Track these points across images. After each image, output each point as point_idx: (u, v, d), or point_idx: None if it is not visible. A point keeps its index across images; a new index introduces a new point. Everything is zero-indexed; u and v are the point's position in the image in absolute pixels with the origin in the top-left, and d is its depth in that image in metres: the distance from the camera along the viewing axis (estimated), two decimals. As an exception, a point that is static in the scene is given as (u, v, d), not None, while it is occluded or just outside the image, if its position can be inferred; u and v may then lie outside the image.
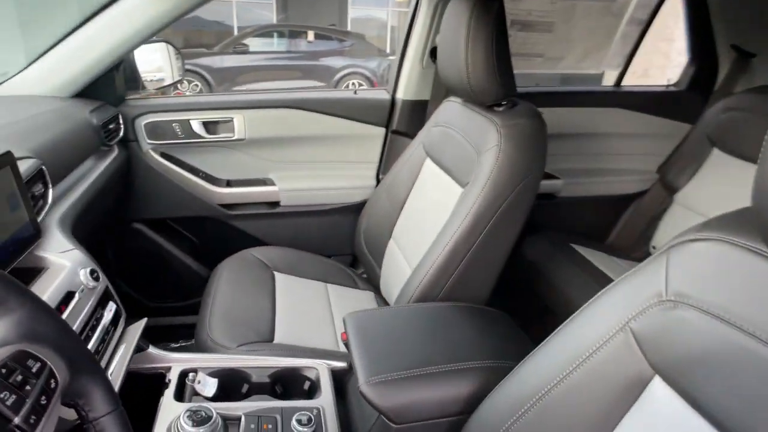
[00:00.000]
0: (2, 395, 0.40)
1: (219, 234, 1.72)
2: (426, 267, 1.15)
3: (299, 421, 0.89)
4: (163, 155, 1.58)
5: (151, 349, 1.02)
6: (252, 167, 1.70)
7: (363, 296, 1.55)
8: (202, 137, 1.58)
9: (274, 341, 1.22)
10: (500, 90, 1.10)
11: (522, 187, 1.09)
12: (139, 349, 1.00)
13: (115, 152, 1.44)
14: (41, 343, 0.46)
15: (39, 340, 0.46)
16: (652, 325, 0.53)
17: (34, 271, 0.84)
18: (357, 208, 1.70)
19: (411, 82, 1.66)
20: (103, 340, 0.85)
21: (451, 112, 1.38)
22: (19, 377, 0.42)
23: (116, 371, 0.84)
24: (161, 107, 1.53)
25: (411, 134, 1.62)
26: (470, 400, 0.85)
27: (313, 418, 0.91)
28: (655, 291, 0.54)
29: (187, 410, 0.85)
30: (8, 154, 0.77)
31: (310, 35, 8.62)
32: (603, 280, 1.55)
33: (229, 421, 0.90)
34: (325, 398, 0.99)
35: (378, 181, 1.76)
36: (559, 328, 0.68)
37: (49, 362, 0.45)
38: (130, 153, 1.53)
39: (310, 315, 1.37)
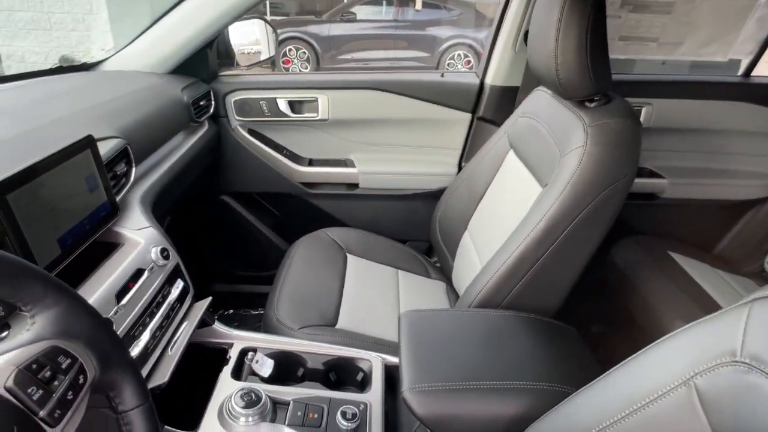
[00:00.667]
0: (30, 390, 0.43)
1: (299, 211, 1.77)
2: (492, 270, 1.08)
3: (344, 415, 0.90)
4: (251, 132, 1.65)
5: (216, 325, 1.08)
6: (334, 148, 1.71)
7: (433, 287, 1.51)
8: (287, 116, 1.61)
9: (337, 326, 1.24)
10: (592, 84, 0.98)
11: (607, 194, 0.97)
12: (205, 324, 1.07)
13: (206, 127, 1.52)
14: (74, 340, 0.49)
15: (72, 336, 0.49)
16: (719, 385, 0.45)
17: (110, 246, 0.91)
18: (436, 195, 1.65)
19: (501, 67, 1.55)
20: (168, 316, 0.91)
21: (540, 103, 1.26)
22: (48, 373, 0.45)
23: (176, 346, 0.89)
24: (250, 85, 1.58)
25: (498, 122, 1.52)
26: (516, 423, 0.79)
27: (358, 413, 0.91)
28: (728, 348, 0.45)
29: (240, 390, 0.89)
30: (89, 137, 0.84)
31: (418, 3, 8.41)
32: (701, 298, 1.36)
33: (278, 405, 0.93)
34: (374, 394, 0.98)
35: (460, 168, 1.69)
36: (623, 362, 0.61)
37: (80, 358, 0.48)
38: (220, 128, 1.61)
39: (377, 302, 1.36)
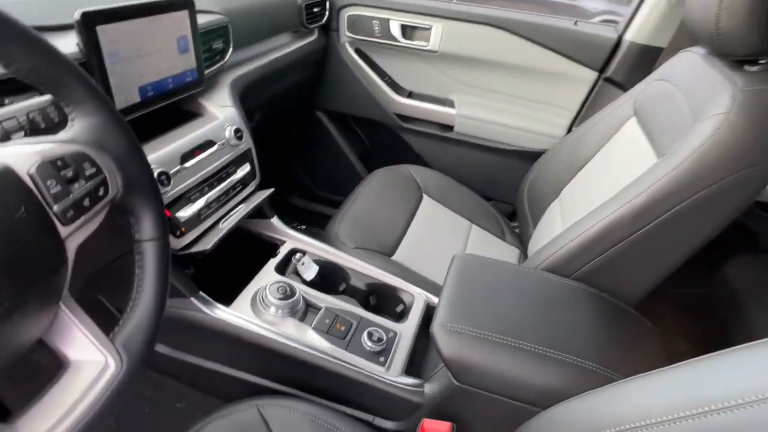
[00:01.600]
0: (49, 182, 0.42)
1: (387, 143, 1.72)
2: (571, 236, 0.95)
3: (370, 335, 0.86)
4: (357, 51, 1.60)
5: (274, 220, 1.08)
6: (436, 84, 1.62)
7: (506, 251, 1.40)
8: (397, 41, 1.54)
9: (392, 258, 1.20)
10: (760, 41, 0.78)
11: (737, 180, 0.79)
12: (264, 216, 1.07)
13: (314, 36, 1.50)
14: (105, 153, 0.48)
15: (104, 149, 0.48)
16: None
17: (189, 114, 0.93)
18: (533, 156, 1.51)
19: (649, 22, 1.33)
20: (227, 193, 0.92)
21: (683, 65, 1.07)
22: (71, 174, 0.44)
23: (228, 222, 0.90)
24: (366, 1, 1.52)
25: (626, 86, 1.33)
26: (547, 394, 0.70)
27: (385, 339, 0.87)
28: None
29: (278, 282, 0.89)
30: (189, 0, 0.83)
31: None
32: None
33: (310, 308, 0.92)
34: (408, 326, 0.93)
35: (569, 132, 1.52)
36: (700, 358, 0.49)
37: (105, 172, 0.48)
38: (329, 42, 1.58)
39: (440, 247, 1.30)
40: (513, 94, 1.57)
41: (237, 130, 0.94)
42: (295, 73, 1.46)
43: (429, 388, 0.82)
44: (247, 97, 1.11)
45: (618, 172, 1.09)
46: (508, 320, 0.78)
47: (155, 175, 0.75)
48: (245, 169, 0.97)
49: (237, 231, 1.08)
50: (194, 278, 0.91)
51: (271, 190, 1.01)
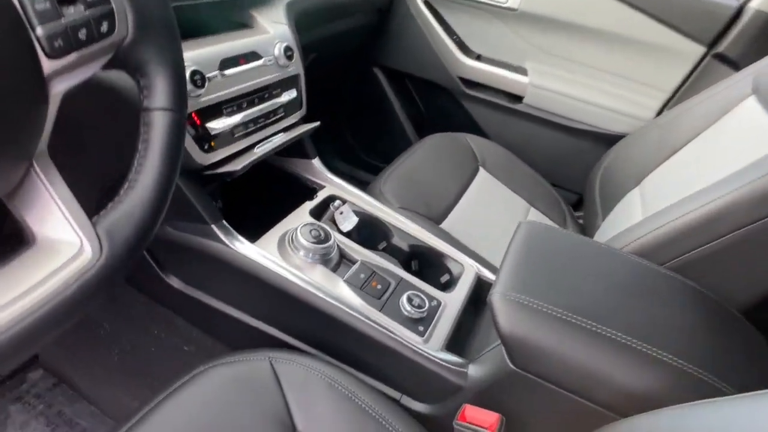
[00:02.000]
0: None
1: (446, 109, 1.57)
2: (665, 219, 0.79)
3: (410, 300, 0.73)
4: (426, 3, 1.45)
5: (316, 161, 0.96)
6: (509, 47, 1.45)
7: (565, 239, 1.24)
8: (475, -5, 1.39)
9: (440, 226, 1.06)
10: None
11: None
12: (306, 156, 0.96)
13: (384, -18, 1.37)
14: None
15: None
16: None
17: (241, 25, 0.82)
18: (611, 140, 1.33)
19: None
20: (268, 117, 0.80)
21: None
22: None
23: (263, 148, 0.78)
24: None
25: (740, 64, 1.14)
26: (633, 398, 0.55)
27: (426, 306, 0.73)
28: None
29: (312, 224, 0.77)
30: None
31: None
32: None
33: (344, 260, 0.79)
34: (454, 297, 0.80)
35: (659, 114, 1.33)
36: None
37: (114, 4, 0.36)
38: (398, -10, 1.45)
39: (493, 225, 1.15)
40: (598, 67, 1.38)
41: (288, 49, 0.82)
42: (357, 17, 1.33)
43: (475, 369, 0.68)
44: (302, 29, 0.99)
45: (728, 157, 0.90)
46: (584, 299, 0.63)
47: (188, 73, 0.63)
48: (291, 94, 0.85)
49: (273, 169, 0.97)
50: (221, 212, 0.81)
51: (317, 124, 0.89)
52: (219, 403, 0.59)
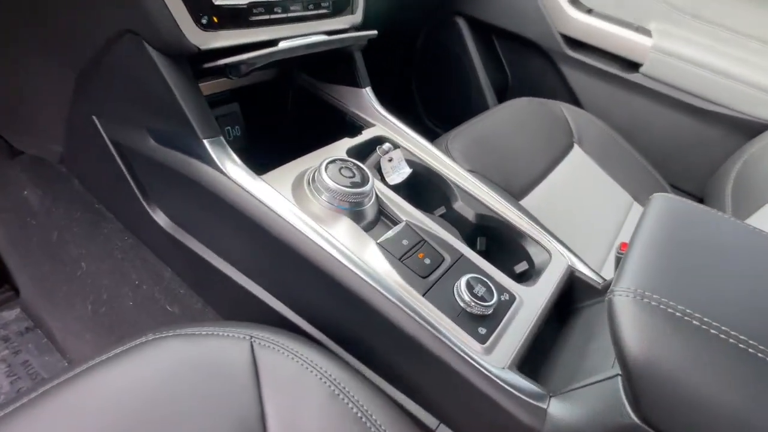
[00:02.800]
0: None
1: (539, 75, 1.29)
2: None
3: (470, 287, 0.49)
4: (532, -60, 1.19)
5: (368, 92, 0.72)
6: (632, 2, 1.15)
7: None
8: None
9: (520, 202, 0.81)
10: None
11: None
12: (354, 83, 0.72)
13: None
14: None
15: None
16: None
17: None
18: (755, 129, 1.02)
19: None
20: (306, 5, 0.57)
21: None
22: None
23: (288, 44, 0.56)
24: None
25: None
26: None
27: (494, 298, 0.49)
28: None
29: (346, 162, 0.54)
30: None
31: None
32: None
33: (384, 218, 0.56)
34: (535, 294, 0.54)
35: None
36: None
37: None
38: None
39: (585, 216, 0.90)
40: (749, 33, 1.06)
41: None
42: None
43: (560, 408, 0.43)
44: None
45: None
46: (753, 312, 0.36)
47: None
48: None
49: (310, 96, 0.75)
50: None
51: (374, 32, 0.65)
52: (159, 390, 0.38)
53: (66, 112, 0.61)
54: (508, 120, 0.99)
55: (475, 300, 0.47)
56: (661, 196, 0.49)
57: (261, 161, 0.58)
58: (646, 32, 1.14)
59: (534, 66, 1.29)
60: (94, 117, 0.60)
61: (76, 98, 0.59)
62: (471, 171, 0.78)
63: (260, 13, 0.52)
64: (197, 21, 0.47)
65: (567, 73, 1.24)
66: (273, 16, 0.54)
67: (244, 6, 0.50)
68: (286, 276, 0.54)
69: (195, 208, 0.58)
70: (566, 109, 1.10)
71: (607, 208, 0.96)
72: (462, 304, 0.48)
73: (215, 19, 0.48)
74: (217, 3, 0.48)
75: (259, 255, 0.55)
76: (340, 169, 0.53)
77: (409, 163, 0.66)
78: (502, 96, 1.37)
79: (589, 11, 1.19)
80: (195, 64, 0.51)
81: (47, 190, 0.79)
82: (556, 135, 1.02)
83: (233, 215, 0.52)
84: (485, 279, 0.50)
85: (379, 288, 0.46)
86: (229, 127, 0.70)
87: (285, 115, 0.76)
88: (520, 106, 1.05)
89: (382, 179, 0.64)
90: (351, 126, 0.71)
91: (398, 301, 0.46)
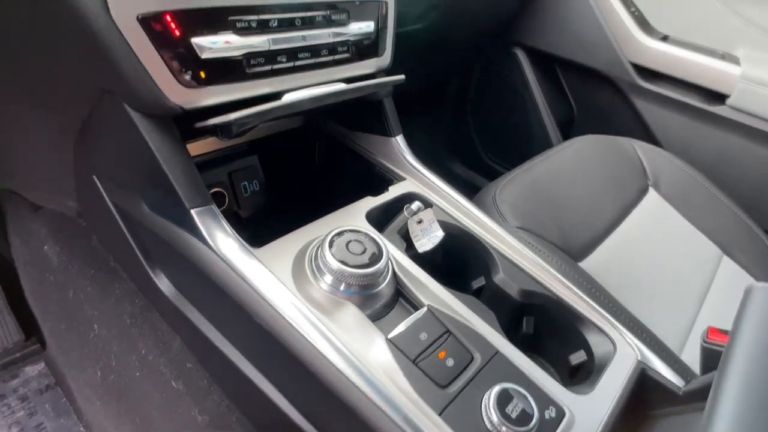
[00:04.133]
0: None
1: (609, 106, 1.16)
2: None
3: (502, 403, 0.38)
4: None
5: (399, 140, 0.63)
6: (714, 25, 1.01)
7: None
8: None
9: (580, 264, 0.68)
10: None
11: None
12: (382, 130, 0.64)
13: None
14: None
15: None
16: None
17: None
18: None
19: None
20: (317, 52, 0.50)
21: None
22: None
23: (295, 98, 0.48)
24: None
25: None
26: None
27: (534, 415, 0.38)
28: None
29: (358, 232, 0.46)
30: None
31: None
32: None
33: (402, 300, 0.47)
34: (593, 405, 0.42)
35: None
36: None
37: None
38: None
39: (665, 275, 0.77)
40: None
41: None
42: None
43: None
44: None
45: None
46: None
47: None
48: (366, 26, 0.54)
49: (341, 148, 0.68)
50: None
51: (401, 77, 0.57)
52: None
53: (72, 169, 0.58)
54: (570, 162, 0.87)
55: (508, 422, 0.36)
56: (765, 288, 0.36)
57: (277, 223, 0.51)
58: (734, 59, 0.98)
59: (602, 98, 1.16)
60: (94, 177, 0.55)
61: (76, 158, 0.56)
62: (520, 228, 0.67)
63: (259, 64, 0.45)
64: (179, 78, 0.41)
65: (640, 107, 1.10)
66: (276, 66, 0.47)
67: (239, 58, 0.44)
68: (283, 369, 0.46)
69: (191, 280, 0.52)
70: (640, 147, 0.96)
71: (690, 265, 0.81)
72: (490, 427, 0.37)
73: (202, 75, 0.42)
74: (204, 57, 0.41)
75: (255, 341, 0.47)
76: (348, 243, 0.44)
77: (443, 224, 0.56)
78: (568, 130, 1.25)
79: (665, 38, 1.05)
80: (183, 123, 0.45)
81: (65, 245, 0.78)
82: (628, 177, 0.89)
83: (222, 295, 0.44)
84: (524, 391, 0.39)
85: (381, 404, 0.36)
86: (245, 183, 0.63)
87: (311, 167, 0.70)
88: (585, 144, 0.93)
89: (410, 246, 0.54)
90: (380, 179, 0.63)
91: (406, 425, 0.36)
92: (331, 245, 0.43)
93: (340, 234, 0.45)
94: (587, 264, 0.68)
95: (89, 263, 0.76)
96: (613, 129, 1.09)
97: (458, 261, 0.56)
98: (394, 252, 0.49)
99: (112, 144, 0.48)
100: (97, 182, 0.56)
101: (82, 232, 0.78)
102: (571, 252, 0.69)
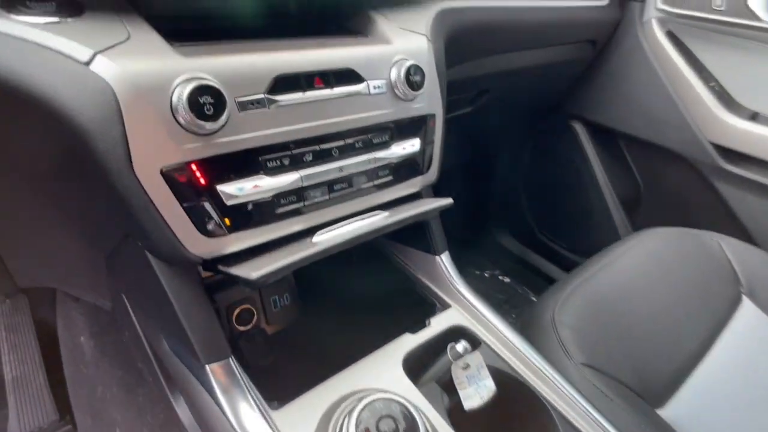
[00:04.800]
0: None
1: (683, 190, 1.04)
2: None
3: None
4: (669, 35, 0.98)
5: (444, 258, 0.57)
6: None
7: None
8: (759, 20, 0.88)
9: (659, 411, 0.58)
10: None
11: None
12: (425, 246, 0.58)
13: (605, 2, 0.96)
14: None
15: None
16: None
17: (347, 30, 0.51)
18: None
19: None
20: (350, 182, 0.45)
21: None
22: None
23: (327, 239, 0.43)
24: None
25: None
26: None
27: None
28: None
29: (383, 399, 0.39)
30: None
31: None
32: None
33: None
34: None
35: None
36: None
37: None
38: (624, 15, 1.01)
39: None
40: None
41: (415, 71, 0.47)
42: (556, 50, 0.94)
43: None
44: (464, 54, 0.65)
45: None
46: None
47: (188, 92, 0.33)
48: (411, 146, 0.49)
49: (381, 261, 0.62)
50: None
51: (448, 201, 0.51)
52: None
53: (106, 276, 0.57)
54: (642, 266, 0.77)
55: None
56: None
57: (305, 339, 0.45)
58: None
59: (675, 180, 1.05)
60: (123, 296, 0.53)
61: (108, 271, 0.54)
62: (585, 366, 0.58)
63: (290, 203, 0.41)
64: (201, 228, 0.37)
65: (724, 192, 0.98)
66: (309, 203, 0.42)
67: (269, 199, 0.40)
68: None
69: (206, 428, 0.47)
70: (727, 244, 0.84)
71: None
72: None
73: (227, 222, 0.38)
74: (230, 203, 0.37)
75: None
76: (379, 421, 0.37)
77: (493, 371, 0.49)
78: (633, 210, 1.14)
79: (754, 116, 0.94)
80: (206, 268, 0.41)
81: (98, 340, 0.78)
82: (714, 285, 0.77)
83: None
84: None
85: None
86: (276, 297, 0.59)
87: (347, 279, 0.64)
88: (658, 241, 0.83)
89: (453, 392, 0.47)
90: (420, 301, 0.57)
91: None
92: (357, 424, 0.37)
93: (371, 403, 0.39)
94: (670, 412, 0.57)
95: (119, 363, 0.75)
96: (689, 217, 0.98)
97: (512, 417, 0.48)
98: (435, 416, 0.42)
99: (136, 279, 0.46)
100: (126, 302, 0.53)
101: (116, 325, 0.78)
102: (649, 395, 0.58)
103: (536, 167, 1.25)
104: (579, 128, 1.14)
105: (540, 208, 1.28)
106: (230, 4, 0.43)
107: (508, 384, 0.48)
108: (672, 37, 0.99)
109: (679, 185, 1.05)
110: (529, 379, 0.48)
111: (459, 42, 0.62)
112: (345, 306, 0.62)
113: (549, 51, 0.94)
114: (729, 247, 0.83)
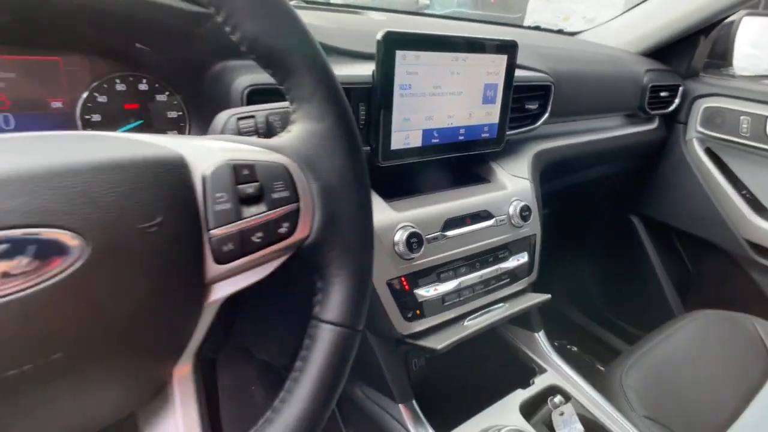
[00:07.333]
0: (218, 195, 0.28)
1: (724, 276, 1.22)
2: None
3: None
4: (708, 152, 1.20)
5: (540, 336, 0.79)
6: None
7: None
8: (777, 145, 1.09)
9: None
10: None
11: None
12: (528, 326, 0.80)
13: (654, 125, 1.19)
14: (312, 175, 0.32)
15: (314, 170, 0.32)
16: None
17: (475, 177, 0.76)
18: None
19: None
20: (488, 283, 0.69)
21: None
22: (251, 191, 0.29)
23: (476, 321, 0.66)
24: (736, 92, 1.13)
25: None
26: None
27: None
28: None
29: (512, 429, 0.61)
30: (513, 42, 0.68)
31: None
32: None
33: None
34: None
35: None
36: None
37: (301, 202, 0.31)
38: (671, 135, 1.24)
39: None
40: None
41: (525, 209, 0.72)
42: (617, 163, 1.18)
43: None
44: (550, 177, 0.90)
45: None
46: None
47: (405, 236, 0.58)
48: (521, 258, 0.73)
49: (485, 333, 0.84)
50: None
51: (547, 296, 0.74)
52: None
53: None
54: (690, 341, 0.95)
55: None
56: None
57: (434, 402, 0.67)
58: None
59: (720, 268, 1.24)
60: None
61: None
62: (647, 418, 0.76)
63: (453, 299, 0.65)
64: (405, 316, 0.61)
65: (758, 279, 1.15)
66: (462, 298, 0.66)
67: (440, 296, 0.64)
68: None
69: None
70: (759, 324, 1.01)
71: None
72: None
73: (417, 312, 0.62)
74: (420, 300, 0.61)
75: None
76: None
77: (581, 417, 0.69)
78: (686, 294, 1.32)
79: (781, 219, 1.13)
80: (397, 341, 0.64)
81: (269, 391, 0.98)
82: (749, 358, 0.94)
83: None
84: None
85: None
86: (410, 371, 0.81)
87: (471, 349, 0.85)
88: (703, 321, 1.00)
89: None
90: (523, 366, 0.78)
91: None
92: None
93: (507, 430, 0.60)
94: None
95: None
96: (731, 300, 1.15)
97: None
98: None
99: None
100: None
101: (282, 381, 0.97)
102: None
103: (602, 253, 1.46)
104: (637, 222, 1.35)
105: (607, 290, 1.48)
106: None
107: (593, 429, 0.68)
108: (710, 153, 1.21)
109: (721, 272, 1.23)
110: (606, 425, 0.68)
111: (550, 169, 0.88)
112: (470, 366, 0.83)
113: (615, 164, 1.18)
114: (762, 327, 1.00)
